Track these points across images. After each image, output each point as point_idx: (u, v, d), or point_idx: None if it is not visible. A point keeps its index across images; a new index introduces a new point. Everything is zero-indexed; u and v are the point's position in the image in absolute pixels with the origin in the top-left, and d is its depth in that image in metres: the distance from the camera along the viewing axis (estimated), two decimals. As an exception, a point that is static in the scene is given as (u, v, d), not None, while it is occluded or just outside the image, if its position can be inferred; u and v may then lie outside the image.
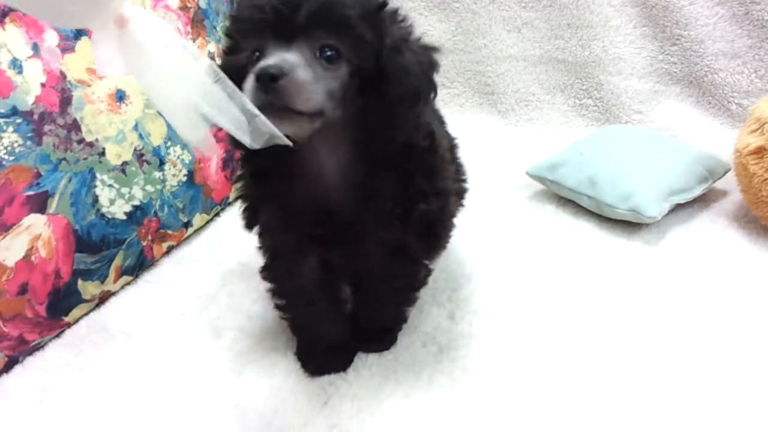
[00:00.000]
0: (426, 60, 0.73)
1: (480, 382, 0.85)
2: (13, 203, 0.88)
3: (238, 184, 0.83)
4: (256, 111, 0.57)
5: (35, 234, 0.92)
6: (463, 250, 1.13)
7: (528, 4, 1.57)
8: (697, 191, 1.18)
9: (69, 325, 0.99)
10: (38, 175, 0.92)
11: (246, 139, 0.58)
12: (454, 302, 1.00)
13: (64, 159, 0.95)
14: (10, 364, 0.92)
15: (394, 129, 0.72)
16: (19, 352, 0.93)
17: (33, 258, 0.91)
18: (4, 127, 0.88)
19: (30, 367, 0.93)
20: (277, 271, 0.86)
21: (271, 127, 0.58)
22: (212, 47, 1.27)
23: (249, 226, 0.83)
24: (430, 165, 0.79)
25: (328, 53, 0.66)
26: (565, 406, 0.81)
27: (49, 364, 0.94)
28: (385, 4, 0.70)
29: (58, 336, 0.98)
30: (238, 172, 0.85)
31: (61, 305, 0.97)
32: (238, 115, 0.57)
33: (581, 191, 1.19)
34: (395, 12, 0.72)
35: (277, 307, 0.90)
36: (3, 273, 0.88)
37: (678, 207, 1.17)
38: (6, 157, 0.88)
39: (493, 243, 1.15)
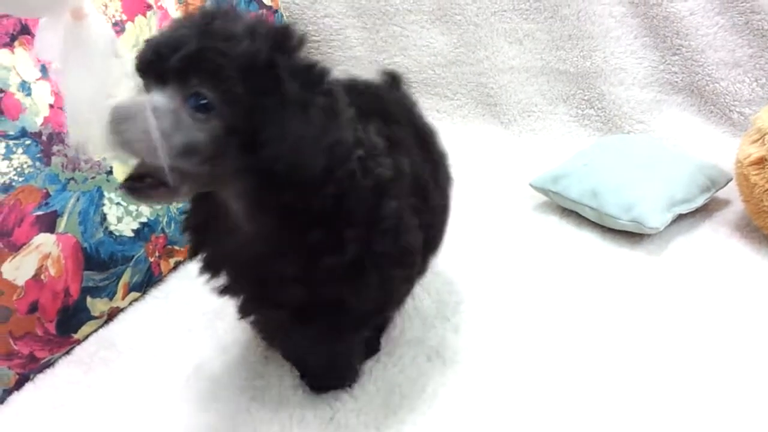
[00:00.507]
0: (327, 126, 0.63)
1: (485, 396, 0.86)
2: (23, 223, 0.90)
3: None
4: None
5: (45, 253, 0.93)
6: (467, 262, 1.14)
7: (529, 16, 1.58)
8: (700, 201, 1.19)
9: (78, 342, 1.01)
10: (47, 195, 0.93)
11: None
12: (459, 315, 1.01)
13: (73, 179, 0.97)
14: (21, 381, 0.94)
15: (282, 193, 0.64)
16: (30, 369, 0.94)
17: (43, 277, 0.93)
18: (14, 149, 0.89)
19: (41, 385, 0.94)
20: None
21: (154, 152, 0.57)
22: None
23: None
24: (342, 218, 0.69)
25: (198, 102, 0.60)
26: (571, 416, 0.82)
27: (60, 381, 0.95)
28: (272, 63, 0.61)
29: (67, 353, 0.99)
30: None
31: (70, 323, 0.98)
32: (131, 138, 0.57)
33: (584, 202, 1.20)
34: (306, 71, 0.64)
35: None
36: (14, 292, 0.90)
37: (680, 217, 1.18)
38: (16, 178, 0.89)
39: (497, 254, 1.16)
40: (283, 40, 0.63)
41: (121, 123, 0.57)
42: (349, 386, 0.89)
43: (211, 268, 0.76)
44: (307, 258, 0.69)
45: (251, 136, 0.61)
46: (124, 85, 0.58)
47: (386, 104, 0.86)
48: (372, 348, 0.95)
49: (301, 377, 0.91)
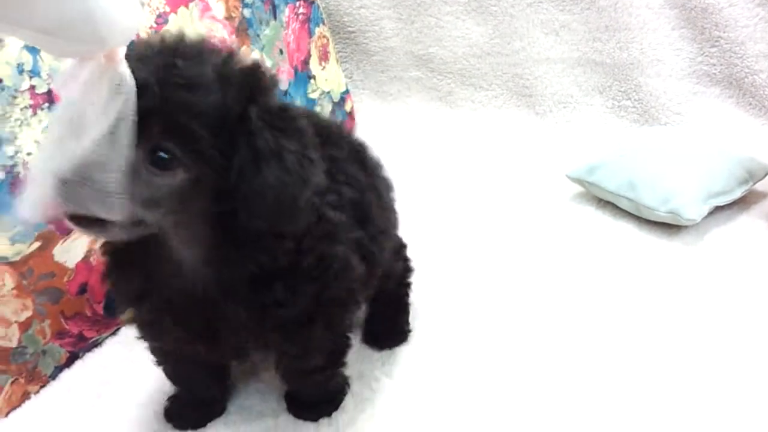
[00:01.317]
0: (304, 175, 0.61)
1: (521, 381, 0.88)
2: (74, 207, 0.93)
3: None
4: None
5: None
6: (504, 253, 1.15)
7: (566, 7, 1.58)
8: (737, 193, 1.19)
9: (124, 323, 1.04)
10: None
11: (115, 202, 0.54)
12: (496, 305, 1.03)
13: (120, 165, 1.00)
14: (71, 359, 0.97)
15: (246, 256, 0.64)
16: (79, 348, 0.98)
17: (92, 259, 0.96)
18: (66, 135, 0.92)
19: (89, 363, 0.98)
20: (145, 336, 0.79)
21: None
22: (256, 55, 1.31)
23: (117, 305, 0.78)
24: (293, 274, 0.68)
25: (160, 156, 0.56)
26: (610, 407, 0.83)
27: (107, 359, 0.99)
28: (245, 116, 0.59)
29: (114, 333, 1.03)
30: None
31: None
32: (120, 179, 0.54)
33: (621, 193, 1.21)
34: (280, 116, 0.62)
35: (152, 358, 0.84)
36: (64, 274, 0.93)
37: (717, 209, 1.18)
38: (67, 163, 0.92)
39: (533, 245, 1.17)
40: (255, 85, 0.61)
41: (78, 185, 0.52)
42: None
43: (141, 302, 0.72)
44: (261, 308, 0.68)
45: (218, 186, 0.59)
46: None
47: (320, 123, 0.81)
48: (401, 334, 0.98)
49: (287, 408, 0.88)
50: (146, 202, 0.57)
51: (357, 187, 0.79)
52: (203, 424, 0.87)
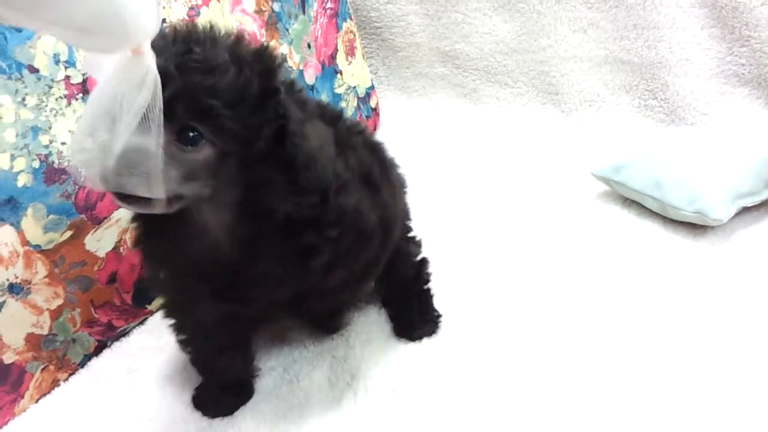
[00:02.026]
0: (323, 147, 0.71)
1: (542, 380, 0.88)
2: (105, 198, 0.94)
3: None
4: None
5: (124, 227, 0.98)
6: (529, 250, 1.15)
7: (594, 5, 1.57)
8: (765, 194, 1.18)
9: (152, 313, 1.05)
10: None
11: (159, 188, 0.59)
12: (522, 302, 1.03)
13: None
14: (100, 348, 0.99)
15: (278, 202, 0.69)
16: (108, 337, 1.00)
17: (122, 249, 0.98)
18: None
19: (117, 351, 1.00)
20: (175, 310, 0.85)
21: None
22: (285, 49, 1.32)
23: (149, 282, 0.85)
24: (322, 220, 0.74)
25: (189, 135, 0.62)
26: (632, 406, 0.83)
27: (134, 348, 1.00)
28: (274, 92, 0.65)
29: (141, 323, 1.04)
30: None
31: (145, 294, 1.03)
32: (160, 165, 0.59)
33: (647, 193, 1.20)
34: (291, 90, 0.69)
35: (179, 342, 0.88)
36: (95, 263, 0.95)
37: (744, 210, 1.17)
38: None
39: (558, 243, 1.17)
40: (267, 63, 0.67)
41: (122, 171, 0.57)
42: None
43: (173, 268, 0.77)
44: (296, 259, 0.74)
45: (244, 155, 0.65)
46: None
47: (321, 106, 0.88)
48: (432, 323, 1.00)
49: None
50: (182, 178, 0.62)
51: (365, 161, 0.84)
52: (234, 410, 0.89)
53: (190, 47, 0.62)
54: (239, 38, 0.67)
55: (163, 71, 0.57)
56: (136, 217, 0.76)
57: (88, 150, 0.58)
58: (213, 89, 0.62)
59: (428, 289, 1.02)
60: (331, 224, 0.74)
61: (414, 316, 0.99)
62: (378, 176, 0.85)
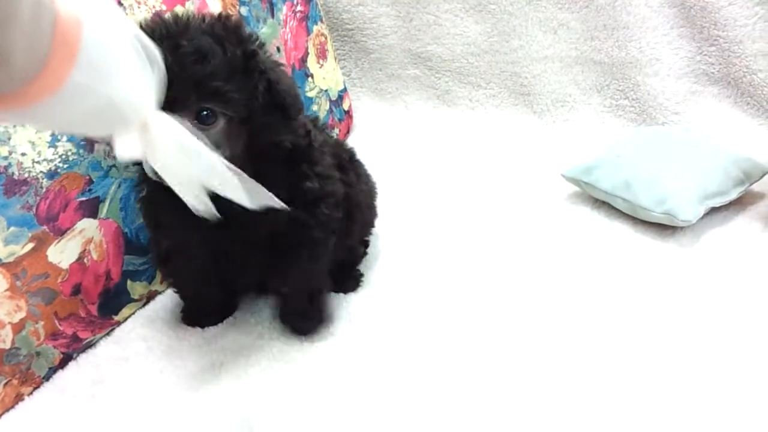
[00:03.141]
0: (292, 82, 0.86)
1: (507, 386, 0.88)
2: (68, 209, 0.93)
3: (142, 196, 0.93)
4: (252, 183, 0.71)
5: (88, 237, 0.96)
6: (497, 251, 1.15)
7: (564, 6, 1.57)
8: (733, 194, 1.19)
9: (119, 323, 1.04)
10: (90, 181, 0.96)
11: (246, 203, 0.71)
12: (488, 304, 1.03)
13: (114, 166, 1.00)
14: (65, 360, 0.97)
15: (281, 136, 0.83)
16: (74, 349, 0.98)
17: (86, 260, 0.96)
18: (59, 137, 0.92)
19: (82, 363, 0.98)
20: (168, 254, 0.96)
21: (264, 192, 0.72)
22: (253, 53, 1.31)
23: (149, 225, 0.96)
24: (310, 156, 0.89)
25: (205, 115, 0.74)
26: (598, 410, 0.83)
27: (100, 359, 0.99)
28: (253, 54, 0.78)
29: (108, 334, 1.03)
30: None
31: (111, 305, 1.02)
32: (239, 186, 0.69)
33: (616, 194, 1.20)
34: (259, 46, 0.81)
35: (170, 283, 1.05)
36: (58, 275, 0.93)
37: (713, 210, 1.18)
38: (61, 165, 0.92)
39: (527, 244, 1.17)
40: (240, 33, 0.79)
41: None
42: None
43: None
44: (292, 185, 0.87)
45: (248, 118, 0.78)
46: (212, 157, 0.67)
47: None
48: (355, 282, 1.10)
49: (281, 319, 1.03)
50: (213, 147, 0.70)
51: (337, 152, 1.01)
52: (219, 321, 1.04)
53: (177, 42, 0.72)
54: (208, 19, 0.77)
55: (164, 70, 0.63)
56: (143, 192, 0.91)
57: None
58: (212, 73, 0.73)
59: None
60: (316, 162, 0.90)
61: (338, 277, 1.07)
62: (347, 162, 1.03)
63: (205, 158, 0.66)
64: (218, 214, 0.72)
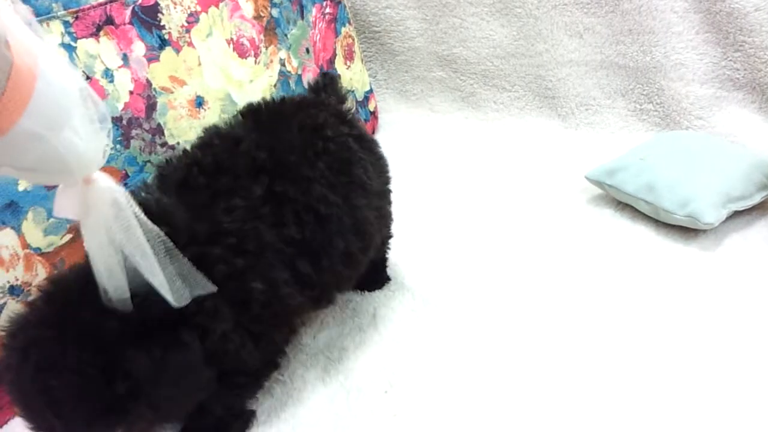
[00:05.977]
0: None
1: (529, 387, 0.90)
2: (104, 201, 0.96)
3: None
4: (188, 267, 0.66)
5: (123, 230, 0.99)
6: (521, 253, 1.17)
7: (590, 10, 1.58)
8: (756, 199, 1.19)
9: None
10: (126, 176, 1.00)
11: (170, 299, 0.64)
12: (513, 306, 1.04)
13: (149, 161, 1.03)
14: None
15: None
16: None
17: (121, 252, 0.99)
18: (98, 132, 0.95)
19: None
20: None
21: (201, 279, 0.67)
22: (283, 54, 1.34)
23: None
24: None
25: None
26: (622, 412, 0.84)
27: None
28: None
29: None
30: None
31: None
32: (164, 283, 0.64)
33: (639, 196, 1.21)
34: None
35: None
36: (94, 265, 0.96)
37: (736, 214, 1.18)
38: (99, 159, 0.96)
39: (550, 246, 1.18)
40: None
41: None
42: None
43: None
44: None
45: None
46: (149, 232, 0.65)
47: (281, 151, 0.85)
48: (382, 279, 1.11)
49: None
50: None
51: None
52: None
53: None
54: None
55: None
56: None
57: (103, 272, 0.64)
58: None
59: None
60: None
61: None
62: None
63: (138, 238, 0.63)
64: (131, 304, 0.65)
